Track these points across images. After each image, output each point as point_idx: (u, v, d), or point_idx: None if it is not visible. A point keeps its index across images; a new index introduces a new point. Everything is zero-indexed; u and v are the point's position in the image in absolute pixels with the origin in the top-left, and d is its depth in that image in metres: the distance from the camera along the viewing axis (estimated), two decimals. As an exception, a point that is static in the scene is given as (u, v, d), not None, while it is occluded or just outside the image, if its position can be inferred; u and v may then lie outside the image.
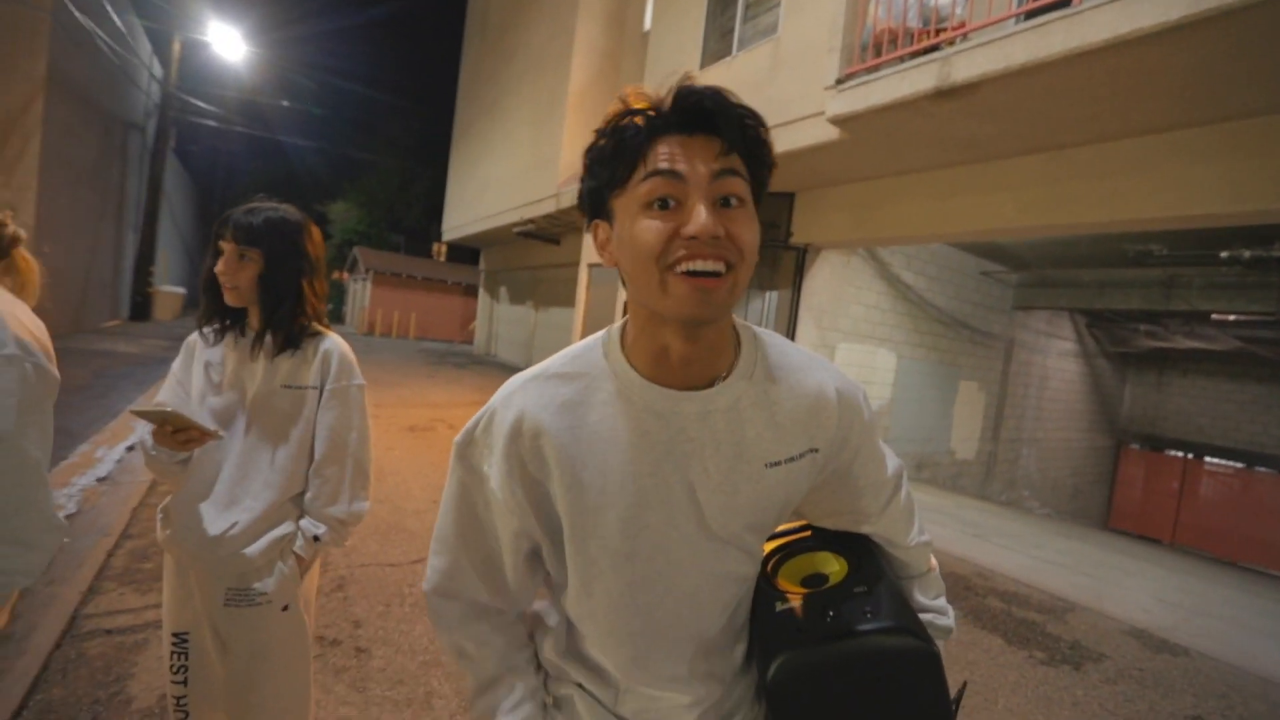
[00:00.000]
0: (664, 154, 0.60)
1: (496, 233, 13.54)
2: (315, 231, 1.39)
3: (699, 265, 0.58)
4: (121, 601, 2.49)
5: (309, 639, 1.36)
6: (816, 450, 0.72)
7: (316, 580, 1.45)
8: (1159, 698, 2.71)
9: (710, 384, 0.68)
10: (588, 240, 9.06)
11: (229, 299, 1.29)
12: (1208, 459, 12.58)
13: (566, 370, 0.71)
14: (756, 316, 7.25)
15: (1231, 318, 8.89)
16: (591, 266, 9.04)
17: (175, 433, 1.19)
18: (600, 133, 0.64)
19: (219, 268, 1.27)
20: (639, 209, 0.61)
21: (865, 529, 0.81)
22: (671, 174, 0.59)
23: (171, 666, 1.32)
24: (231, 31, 14.23)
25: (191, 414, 1.32)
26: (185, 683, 1.32)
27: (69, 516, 3.21)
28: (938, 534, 4.94)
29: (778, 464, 0.70)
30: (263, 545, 1.26)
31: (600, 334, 0.74)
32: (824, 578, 0.77)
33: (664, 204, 0.60)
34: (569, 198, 9.58)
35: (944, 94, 3.87)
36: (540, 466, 0.69)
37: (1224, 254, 6.56)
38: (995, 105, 3.94)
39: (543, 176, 10.57)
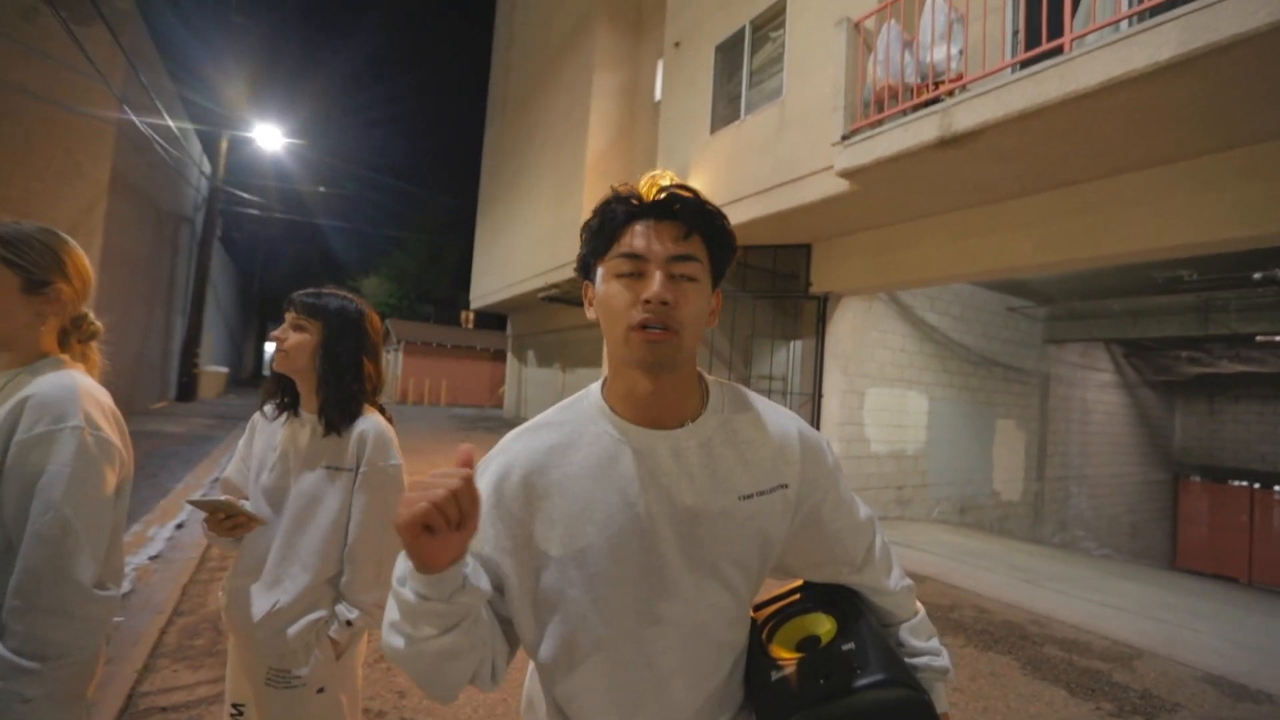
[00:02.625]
0: (636, 235, 0.75)
1: (522, 298, 13.96)
2: (374, 317, 1.47)
3: (651, 326, 0.72)
4: (175, 679, 2.55)
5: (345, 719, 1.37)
6: (786, 486, 0.81)
7: (363, 654, 1.47)
8: (1243, 750, 2.53)
9: (681, 425, 0.79)
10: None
11: (278, 364, 1.38)
12: (1277, 488, 11.87)
13: (556, 419, 0.82)
14: (782, 367, 7.28)
15: (1278, 339, 8.60)
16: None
17: (225, 519, 1.28)
18: (594, 212, 0.79)
19: (276, 332, 1.38)
20: (612, 277, 0.76)
21: (851, 579, 0.87)
22: (637, 256, 0.74)
23: None
24: (272, 129, 15.40)
25: (247, 496, 1.42)
26: None
27: (124, 595, 3.32)
28: (985, 580, 4.75)
29: (750, 497, 0.78)
30: (299, 628, 1.28)
31: (583, 391, 0.85)
32: (816, 639, 0.80)
33: (630, 275, 0.74)
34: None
35: (947, 142, 4.00)
36: (525, 505, 0.76)
37: (1257, 275, 6.44)
38: (1000, 149, 4.05)
39: (565, 242, 10.97)
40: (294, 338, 1.36)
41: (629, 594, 0.73)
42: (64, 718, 0.96)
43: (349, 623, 1.30)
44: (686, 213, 0.75)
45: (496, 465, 0.78)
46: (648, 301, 0.72)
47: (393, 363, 24.75)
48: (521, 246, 13.54)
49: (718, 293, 0.81)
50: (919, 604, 0.91)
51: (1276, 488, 11.85)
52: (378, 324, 1.48)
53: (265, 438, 1.43)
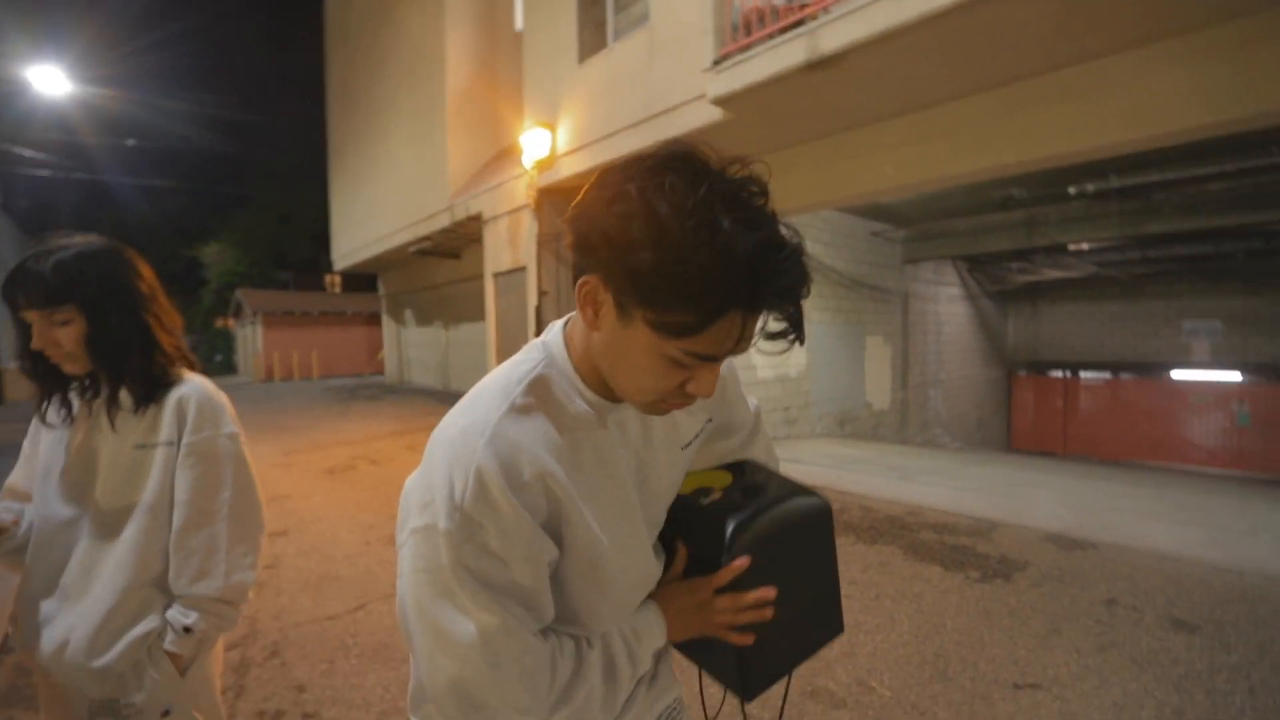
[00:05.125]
0: (727, 335, 0.58)
1: (392, 255, 12.93)
2: (132, 255, 1.16)
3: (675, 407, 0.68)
4: (10, 721, 2.17)
5: None
6: (711, 420, 0.85)
7: (220, 664, 1.26)
8: (1078, 590, 2.99)
9: None
10: (490, 249, 8.80)
11: (69, 369, 1.10)
12: (1082, 374, 14.04)
13: (529, 402, 0.67)
14: (671, 302, 7.33)
15: (1085, 246, 9.94)
16: (497, 276, 8.73)
17: None
18: (699, 266, 0.53)
19: (35, 344, 1.07)
20: (659, 351, 0.60)
21: (744, 453, 0.93)
22: (713, 359, 0.61)
23: None
24: (54, 71, 12.65)
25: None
26: None
27: (-72, 638, 2.76)
28: (866, 482, 5.21)
29: (689, 444, 0.81)
30: (121, 649, 1.05)
31: (538, 356, 0.71)
32: (711, 490, 0.84)
33: (685, 365, 0.61)
34: (463, 209, 9.28)
35: (815, 66, 4.04)
36: (554, 508, 0.66)
37: (1072, 190, 7.30)
38: (864, 71, 4.16)
39: (433, 190, 10.19)
40: (62, 337, 1.06)
41: (615, 558, 0.71)
42: None
43: (187, 629, 1.08)
44: (780, 303, 0.59)
45: (499, 471, 0.61)
46: (691, 396, 0.65)
47: (252, 338, 22.32)
48: (385, 197, 12.43)
49: None
50: None
51: (1083, 374, 14.02)
52: (140, 266, 1.16)
53: (57, 431, 1.15)
